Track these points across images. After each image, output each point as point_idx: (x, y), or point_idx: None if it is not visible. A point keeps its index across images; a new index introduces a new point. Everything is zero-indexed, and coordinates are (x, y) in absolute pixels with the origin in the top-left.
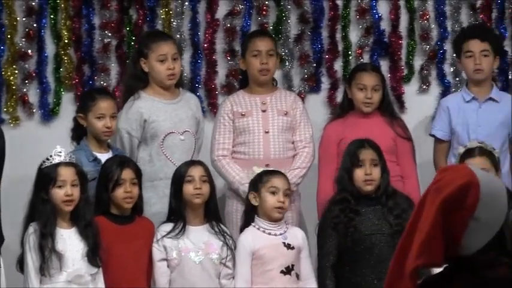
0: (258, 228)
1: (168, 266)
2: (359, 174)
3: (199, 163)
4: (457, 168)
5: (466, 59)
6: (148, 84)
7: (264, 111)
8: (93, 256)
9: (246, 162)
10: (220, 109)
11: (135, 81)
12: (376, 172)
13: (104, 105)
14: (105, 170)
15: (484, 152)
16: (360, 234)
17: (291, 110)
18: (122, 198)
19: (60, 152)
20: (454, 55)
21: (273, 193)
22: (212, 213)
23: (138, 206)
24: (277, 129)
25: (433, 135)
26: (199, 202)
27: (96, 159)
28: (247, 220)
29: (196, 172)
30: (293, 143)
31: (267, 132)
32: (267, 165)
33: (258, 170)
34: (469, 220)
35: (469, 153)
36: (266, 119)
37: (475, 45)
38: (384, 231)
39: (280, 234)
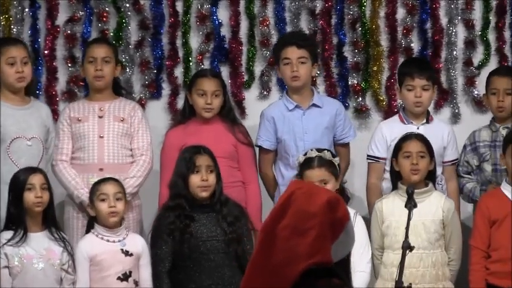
0: (97, 235)
1: (9, 274)
2: (195, 180)
3: (39, 170)
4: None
5: (284, 66)
6: None
7: (100, 117)
8: None
9: (81, 168)
10: (60, 116)
11: None
12: (211, 178)
13: None
14: None
15: (324, 162)
16: (196, 241)
17: (129, 117)
18: None
19: None
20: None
21: (103, 200)
22: (51, 219)
23: None
24: (112, 134)
25: (259, 146)
26: (40, 210)
27: None
28: (89, 229)
29: (37, 180)
30: (131, 150)
31: (102, 137)
32: (100, 170)
33: (92, 180)
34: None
35: (308, 163)
36: (102, 125)
37: (292, 52)
38: (219, 238)
39: (119, 241)
